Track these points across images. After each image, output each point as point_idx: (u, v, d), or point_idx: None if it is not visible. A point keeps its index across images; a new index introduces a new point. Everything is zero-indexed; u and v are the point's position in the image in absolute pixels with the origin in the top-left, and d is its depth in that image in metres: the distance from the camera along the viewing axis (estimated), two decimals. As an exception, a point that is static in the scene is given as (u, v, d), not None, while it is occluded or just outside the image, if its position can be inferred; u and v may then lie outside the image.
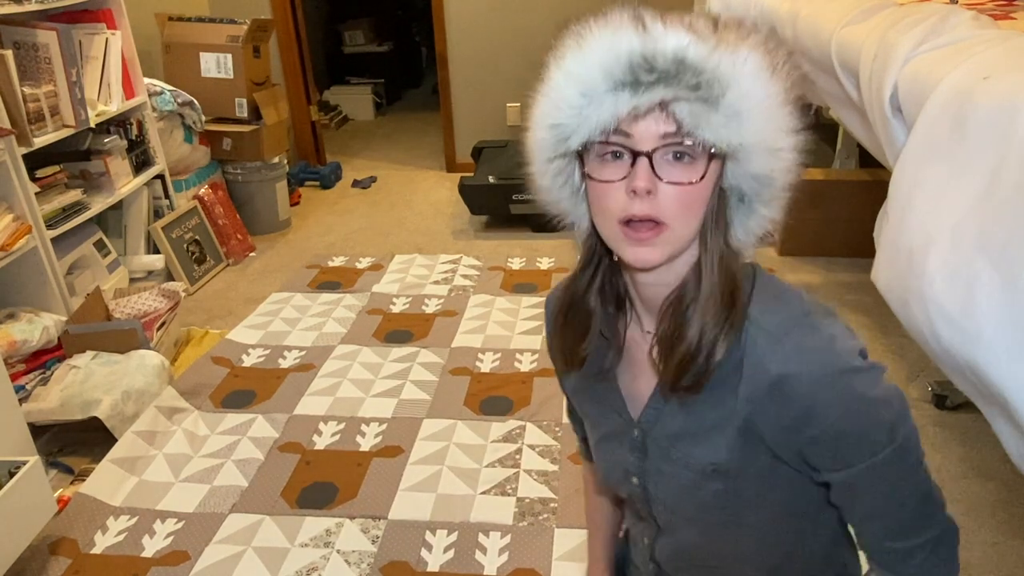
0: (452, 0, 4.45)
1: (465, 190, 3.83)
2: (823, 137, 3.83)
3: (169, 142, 3.46)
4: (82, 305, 2.61)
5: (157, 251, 3.32)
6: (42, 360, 2.50)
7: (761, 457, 0.74)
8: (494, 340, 2.83)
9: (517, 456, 2.19)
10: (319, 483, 2.12)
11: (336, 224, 4.11)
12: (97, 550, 1.91)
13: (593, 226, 0.74)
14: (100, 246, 3.05)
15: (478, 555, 1.86)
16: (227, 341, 2.87)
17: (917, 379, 2.47)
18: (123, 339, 2.49)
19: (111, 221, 3.26)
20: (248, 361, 2.74)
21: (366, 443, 2.28)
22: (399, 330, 2.94)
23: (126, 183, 3.13)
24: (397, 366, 2.68)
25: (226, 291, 3.39)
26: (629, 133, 0.66)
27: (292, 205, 4.26)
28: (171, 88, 3.47)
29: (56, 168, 2.75)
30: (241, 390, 2.57)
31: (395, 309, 3.11)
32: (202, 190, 3.65)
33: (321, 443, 2.29)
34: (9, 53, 2.47)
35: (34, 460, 1.75)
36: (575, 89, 0.66)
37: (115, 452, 2.18)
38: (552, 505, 2.00)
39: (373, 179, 4.79)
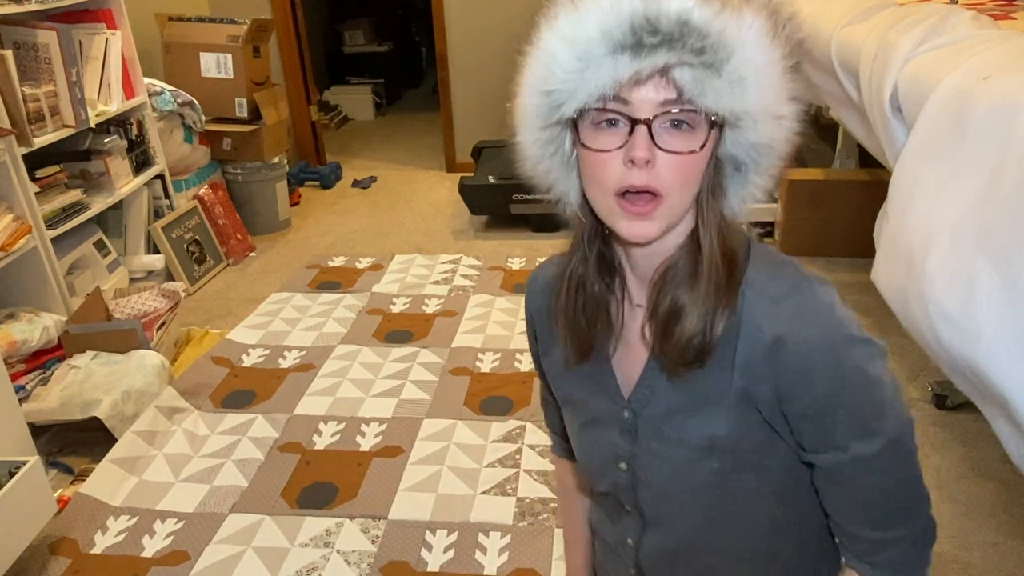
0: (452, 0, 4.45)
1: (465, 190, 3.83)
2: (823, 137, 3.83)
3: (169, 142, 3.46)
4: (82, 305, 2.61)
5: (157, 251, 3.32)
6: (42, 360, 2.50)
7: (757, 431, 0.72)
8: (494, 340, 2.83)
9: (517, 456, 2.19)
10: (319, 483, 2.12)
11: (336, 224, 4.11)
12: (97, 550, 1.91)
13: (584, 198, 0.71)
14: (100, 246, 3.05)
15: (478, 555, 1.86)
16: (227, 341, 2.87)
17: (917, 379, 2.47)
18: (123, 339, 2.49)
19: (111, 221, 3.26)
20: (248, 361, 2.75)
21: (366, 443, 2.28)
22: (399, 330, 2.94)
23: (126, 183, 3.13)
24: (397, 366, 2.68)
25: (226, 291, 3.39)
26: (627, 100, 0.63)
27: (292, 205, 4.26)
28: (171, 88, 3.47)
29: (56, 168, 2.75)
30: (241, 390, 2.57)
31: (395, 309, 3.11)
32: (202, 190, 3.65)
33: (321, 443, 2.29)
34: (9, 53, 2.47)
35: (34, 460, 1.75)
36: (570, 52, 0.62)
37: (115, 452, 2.18)
38: (552, 505, 2.00)
39: (373, 179, 4.79)
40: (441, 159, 4.97)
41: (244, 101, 3.74)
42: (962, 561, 1.78)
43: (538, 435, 2.28)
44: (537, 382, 2.53)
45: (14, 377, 2.35)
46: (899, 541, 0.73)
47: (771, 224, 3.50)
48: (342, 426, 2.37)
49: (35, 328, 2.46)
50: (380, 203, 4.41)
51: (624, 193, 0.65)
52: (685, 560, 0.81)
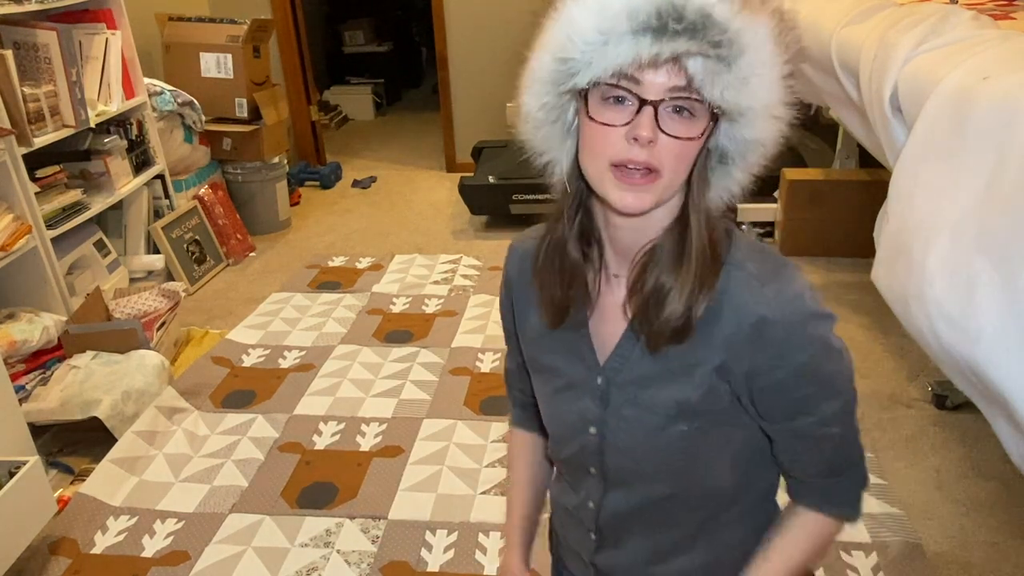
0: (452, 0, 4.45)
1: (465, 190, 3.83)
2: (823, 137, 3.83)
3: (169, 142, 3.46)
4: (82, 305, 2.61)
5: (157, 251, 3.32)
6: (42, 360, 2.50)
7: (724, 399, 0.76)
8: (494, 340, 2.83)
9: (517, 456, 2.19)
10: (319, 483, 2.12)
11: (336, 224, 4.12)
12: (97, 550, 1.91)
13: (576, 166, 0.73)
14: (100, 246, 3.05)
15: (478, 555, 1.86)
16: (227, 341, 2.87)
17: (917, 379, 2.47)
18: (123, 339, 2.49)
19: (111, 221, 3.26)
20: (248, 361, 2.75)
21: (366, 443, 2.28)
22: (399, 330, 2.94)
23: (126, 183, 3.13)
24: (397, 366, 2.68)
25: (226, 291, 3.39)
26: (639, 80, 0.65)
27: (292, 205, 4.26)
28: (171, 88, 3.47)
29: (56, 168, 2.75)
30: (241, 390, 2.57)
31: (395, 309, 3.11)
32: (202, 190, 3.65)
33: (321, 443, 2.29)
34: (9, 53, 2.47)
35: (34, 460, 1.75)
36: (592, 24, 0.64)
37: (115, 452, 2.19)
38: (552, 505, 2.00)
39: (373, 179, 4.79)
40: (441, 159, 4.97)
41: (244, 101, 3.74)
42: (962, 561, 1.78)
43: (538, 435, 2.28)
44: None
45: (14, 377, 2.35)
46: (846, 484, 0.82)
47: (771, 224, 3.50)
48: (342, 426, 2.37)
49: (35, 328, 2.46)
50: (380, 203, 4.41)
51: (620, 165, 0.68)
52: (643, 517, 0.85)
